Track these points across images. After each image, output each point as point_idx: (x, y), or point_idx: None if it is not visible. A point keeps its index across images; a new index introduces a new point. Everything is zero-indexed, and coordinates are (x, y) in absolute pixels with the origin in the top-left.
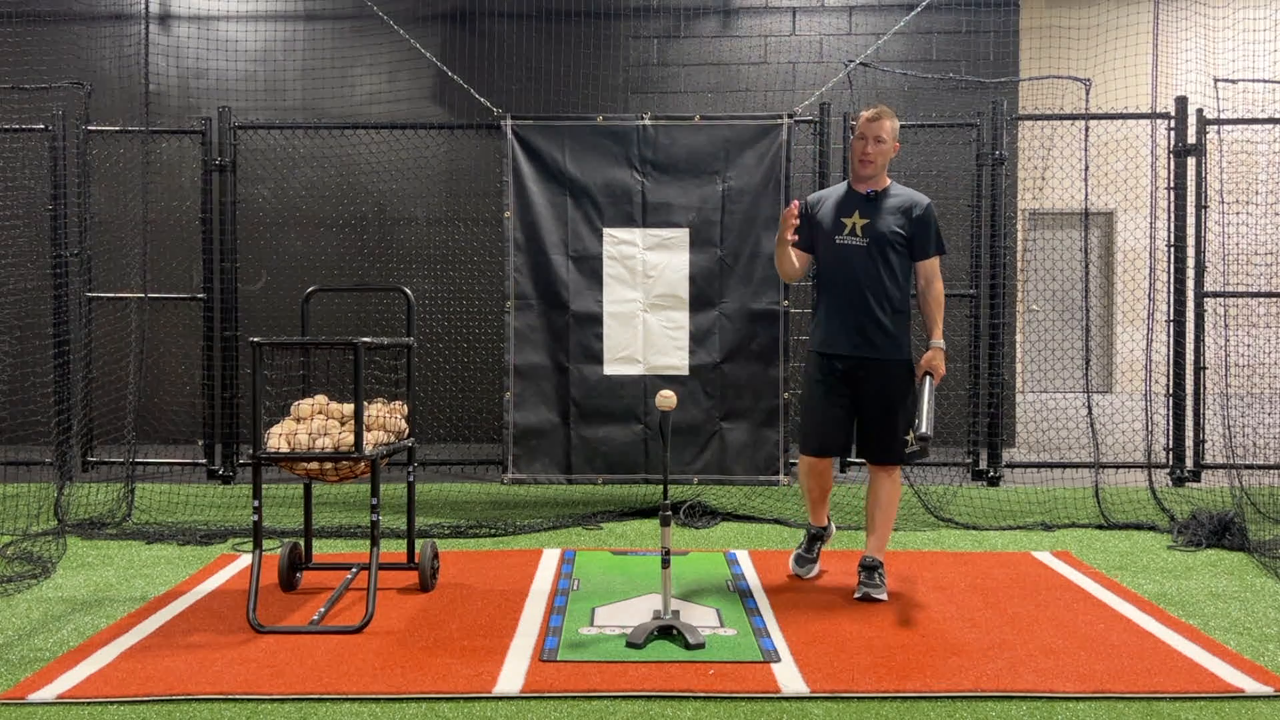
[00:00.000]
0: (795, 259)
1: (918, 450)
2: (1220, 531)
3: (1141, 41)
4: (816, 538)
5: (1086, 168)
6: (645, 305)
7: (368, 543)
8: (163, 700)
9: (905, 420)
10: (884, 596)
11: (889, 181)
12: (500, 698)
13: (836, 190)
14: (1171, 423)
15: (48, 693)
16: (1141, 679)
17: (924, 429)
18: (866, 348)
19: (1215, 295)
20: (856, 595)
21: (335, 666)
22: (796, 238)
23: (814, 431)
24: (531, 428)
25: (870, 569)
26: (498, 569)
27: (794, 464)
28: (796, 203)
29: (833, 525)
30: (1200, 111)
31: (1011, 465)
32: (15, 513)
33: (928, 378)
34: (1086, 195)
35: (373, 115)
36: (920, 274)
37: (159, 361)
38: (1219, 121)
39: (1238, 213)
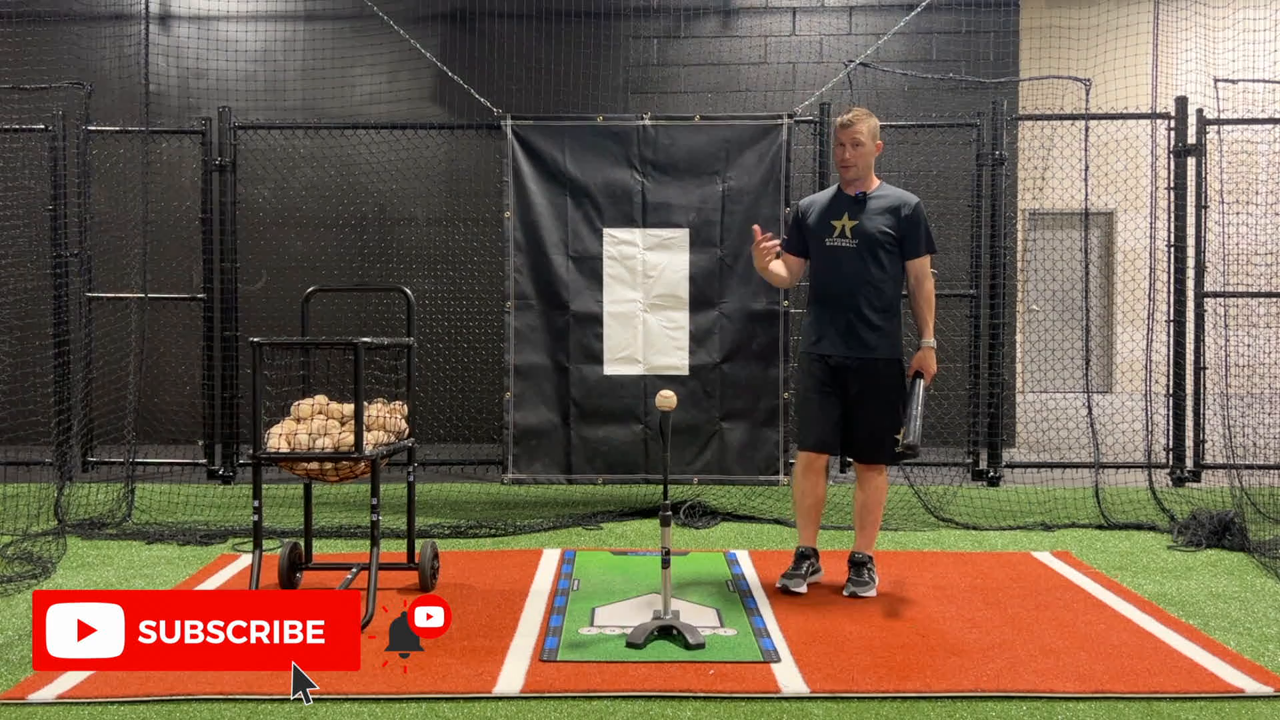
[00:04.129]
0: (784, 268)
1: (902, 452)
2: (1220, 531)
3: (1141, 41)
4: (805, 557)
5: (1086, 168)
6: (645, 305)
7: (368, 543)
8: (163, 700)
9: (894, 420)
10: (872, 593)
11: (878, 182)
12: (500, 698)
13: (827, 194)
14: (1171, 423)
15: (48, 693)
16: (1141, 679)
17: (911, 439)
18: (858, 348)
19: (1215, 295)
20: (844, 593)
21: None
22: (770, 259)
23: (811, 427)
24: (531, 428)
25: (859, 565)
26: (498, 569)
27: (794, 464)
28: (757, 228)
29: (820, 565)
30: (1200, 111)
31: (1011, 465)
32: (15, 513)
33: (919, 380)
34: (1086, 195)
35: (373, 115)
36: (911, 273)
37: (159, 361)
38: (1219, 121)
39: (1238, 213)
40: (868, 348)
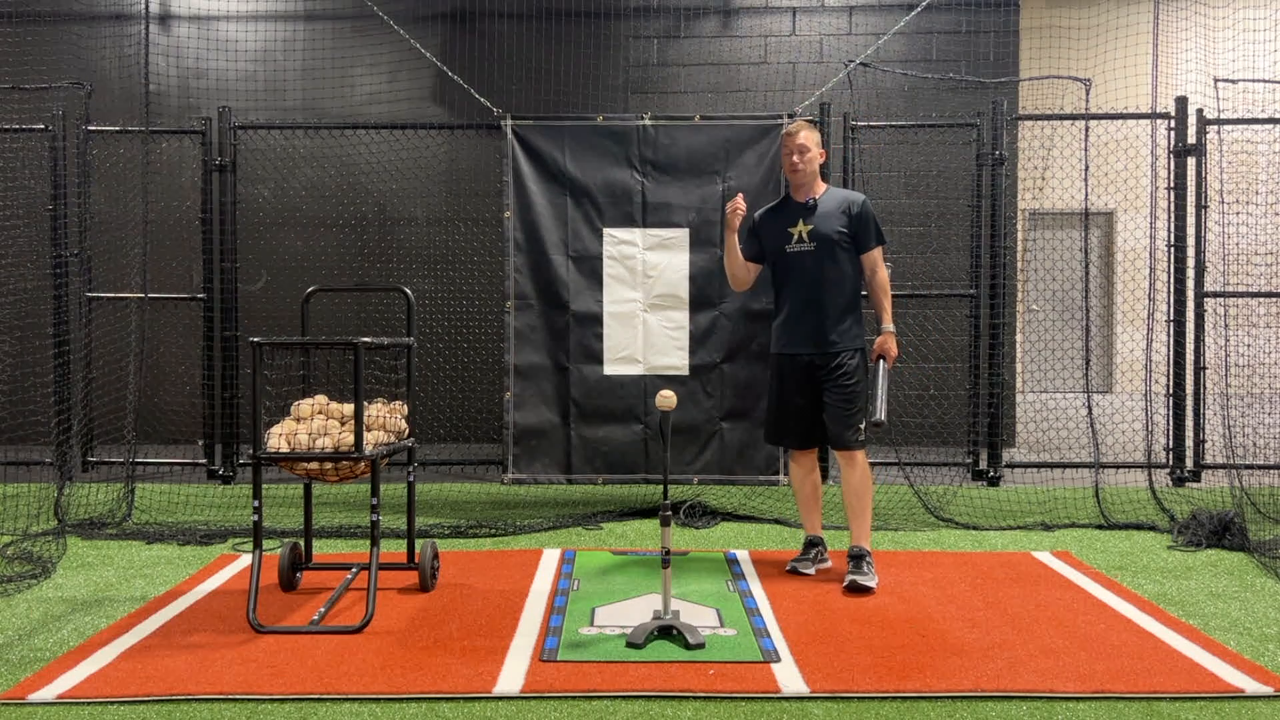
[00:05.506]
0: (746, 269)
1: (870, 437)
2: (1220, 531)
3: (1141, 41)
4: (813, 544)
5: (1086, 168)
6: (645, 305)
7: (368, 543)
8: (163, 700)
9: (859, 407)
10: (872, 585)
11: (824, 186)
12: (500, 698)
13: (776, 204)
14: (1171, 423)
15: (48, 693)
16: (1141, 679)
17: (878, 415)
18: (825, 344)
19: (1215, 295)
20: (844, 585)
21: (335, 666)
22: (737, 226)
23: (776, 427)
24: (531, 428)
25: (857, 558)
26: (498, 569)
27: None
28: (742, 194)
29: (828, 554)
30: (1200, 111)
31: (1011, 465)
32: (15, 513)
33: (881, 362)
34: (1086, 195)
35: (373, 115)
36: (866, 265)
37: (159, 361)
38: (1219, 121)
39: (1238, 213)
40: (834, 343)
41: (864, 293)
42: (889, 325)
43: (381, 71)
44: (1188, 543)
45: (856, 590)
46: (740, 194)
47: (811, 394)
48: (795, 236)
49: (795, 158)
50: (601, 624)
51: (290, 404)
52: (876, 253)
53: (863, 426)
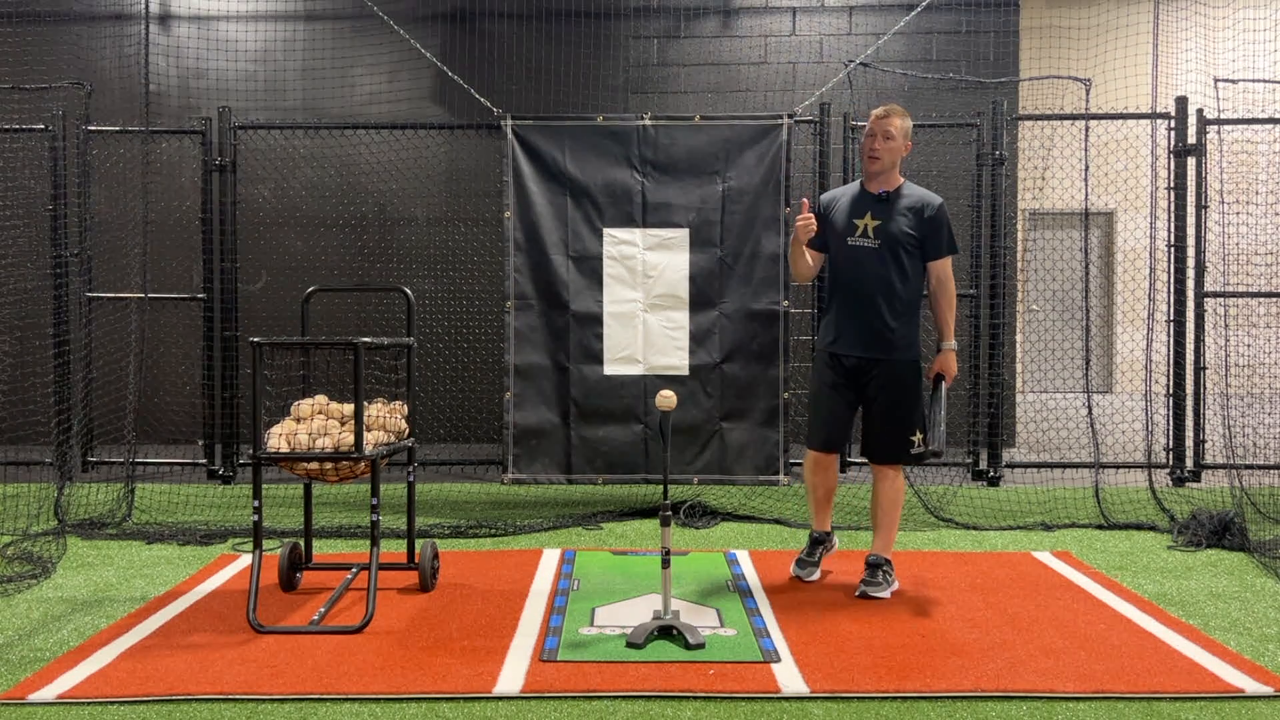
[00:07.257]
0: (809, 258)
1: (924, 454)
2: (1220, 531)
3: (1141, 41)
4: (819, 542)
5: (1086, 168)
6: (645, 305)
7: (368, 543)
8: (163, 700)
9: (911, 421)
10: (884, 595)
11: (901, 181)
12: (500, 698)
13: (849, 190)
14: (1171, 423)
15: (48, 693)
16: (1141, 679)
17: (936, 445)
18: (877, 348)
19: (1215, 295)
20: (857, 593)
21: (335, 666)
22: (808, 238)
23: (820, 426)
24: (531, 428)
25: (874, 567)
26: (498, 569)
27: (795, 464)
28: (806, 201)
29: (835, 539)
30: (1200, 111)
31: (1011, 465)
32: (15, 513)
33: (940, 382)
34: (1086, 195)
35: (373, 115)
36: (932, 274)
37: (159, 361)
38: (1219, 121)
39: (1238, 213)
40: (886, 349)
41: (924, 295)
42: (951, 342)
43: (381, 71)
44: (1188, 543)
45: (866, 598)
46: (805, 202)
47: (854, 399)
48: (860, 229)
49: (878, 143)
50: (601, 624)
51: (290, 404)
52: (945, 263)
53: (915, 440)
